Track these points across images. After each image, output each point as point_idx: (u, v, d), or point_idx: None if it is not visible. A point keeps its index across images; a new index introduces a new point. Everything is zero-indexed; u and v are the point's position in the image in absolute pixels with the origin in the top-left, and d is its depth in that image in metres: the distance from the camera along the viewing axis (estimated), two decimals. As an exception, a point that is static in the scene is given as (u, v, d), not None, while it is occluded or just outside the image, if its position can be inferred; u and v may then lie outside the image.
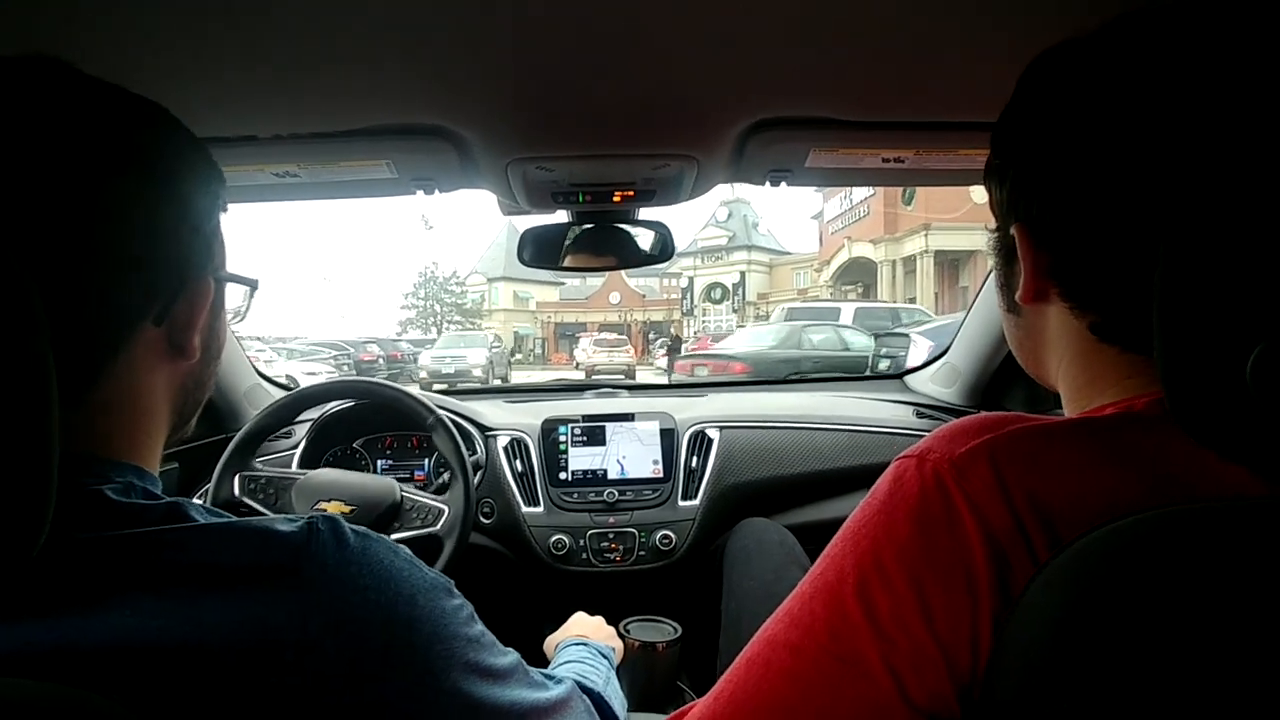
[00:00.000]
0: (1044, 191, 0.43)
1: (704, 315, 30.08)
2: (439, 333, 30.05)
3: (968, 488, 0.37)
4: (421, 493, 1.17)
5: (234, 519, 0.39)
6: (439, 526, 1.13)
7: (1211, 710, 0.28)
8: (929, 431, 0.42)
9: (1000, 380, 1.51)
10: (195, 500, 0.41)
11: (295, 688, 0.34)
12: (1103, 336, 0.42)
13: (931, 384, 1.71)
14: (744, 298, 28.99)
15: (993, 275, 0.51)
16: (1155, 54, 0.38)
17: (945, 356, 1.67)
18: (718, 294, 30.04)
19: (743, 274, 29.51)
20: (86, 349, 0.39)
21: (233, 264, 0.50)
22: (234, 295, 0.52)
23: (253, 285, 0.52)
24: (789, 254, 31.13)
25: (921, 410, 1.61)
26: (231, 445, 1.17)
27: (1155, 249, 0.35)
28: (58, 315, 0.33)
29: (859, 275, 21.71)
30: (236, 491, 1.14)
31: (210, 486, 1.14)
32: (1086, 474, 0.36)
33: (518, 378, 19.73)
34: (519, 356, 31.69)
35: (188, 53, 0.64)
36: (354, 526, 0.40)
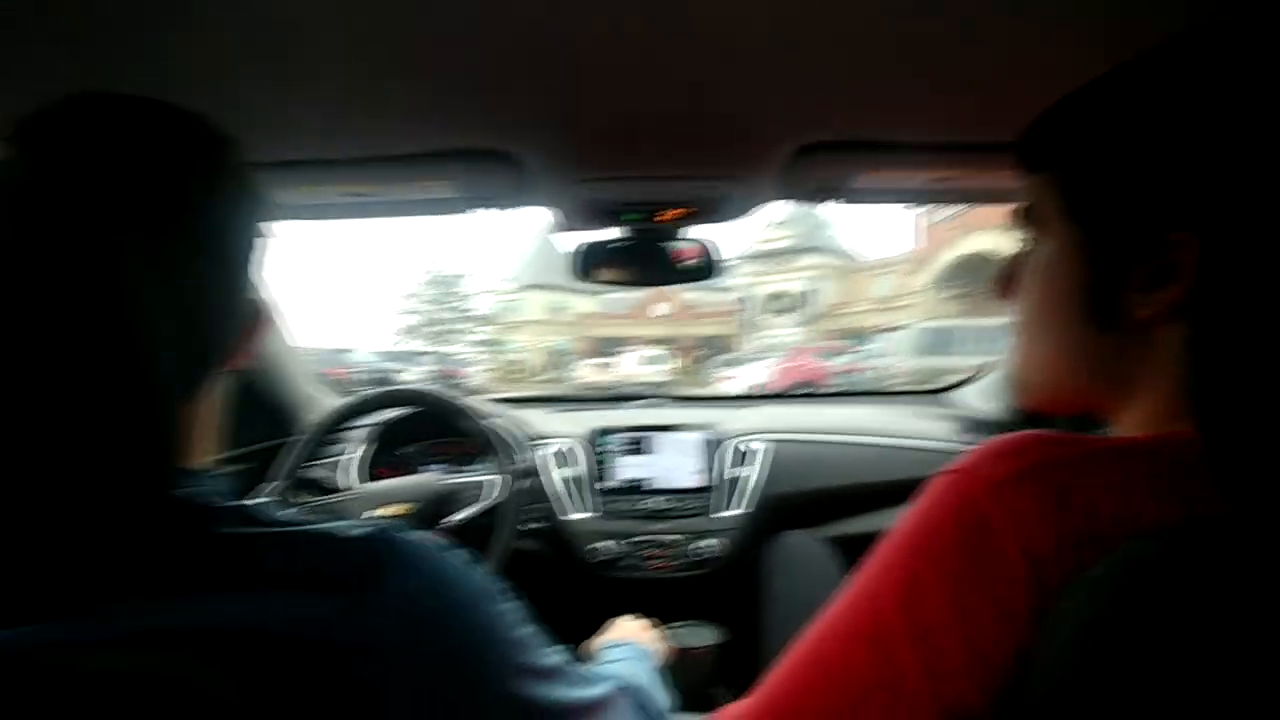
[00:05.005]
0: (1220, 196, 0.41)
1: (766, 329, 28.82)
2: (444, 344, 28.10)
3: (1009, 511, 0.40)
4: (461, 470, 1.31)
5: (304, 524, 0.43)
6: (496, 495, 1.28)
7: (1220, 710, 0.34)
8: (971, 446, 0.46)
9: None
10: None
11: (357, 689, 0.38)
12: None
13: (977, 398, 1.79)
14: (815, 309, 28.34)
15: (1050, 284, 0.51)
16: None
17: (991, 370, 1.75)
18: (783, 304, 29.25)
19: (812, 280, 28.47)
20: (199, 363, 0.46)
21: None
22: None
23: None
24: (863, 259, 29.81)
25: (966, 425, 1.69)
26: (280, 475, 1.25)
27: None
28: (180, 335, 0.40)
29: (972, 275, 17.94)
30: None
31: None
32: (1122, 498, 0.40)
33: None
34: (554, 374, 31.33)
35: (262, 78, 0.76)
36: (414, 534, 0.44)
